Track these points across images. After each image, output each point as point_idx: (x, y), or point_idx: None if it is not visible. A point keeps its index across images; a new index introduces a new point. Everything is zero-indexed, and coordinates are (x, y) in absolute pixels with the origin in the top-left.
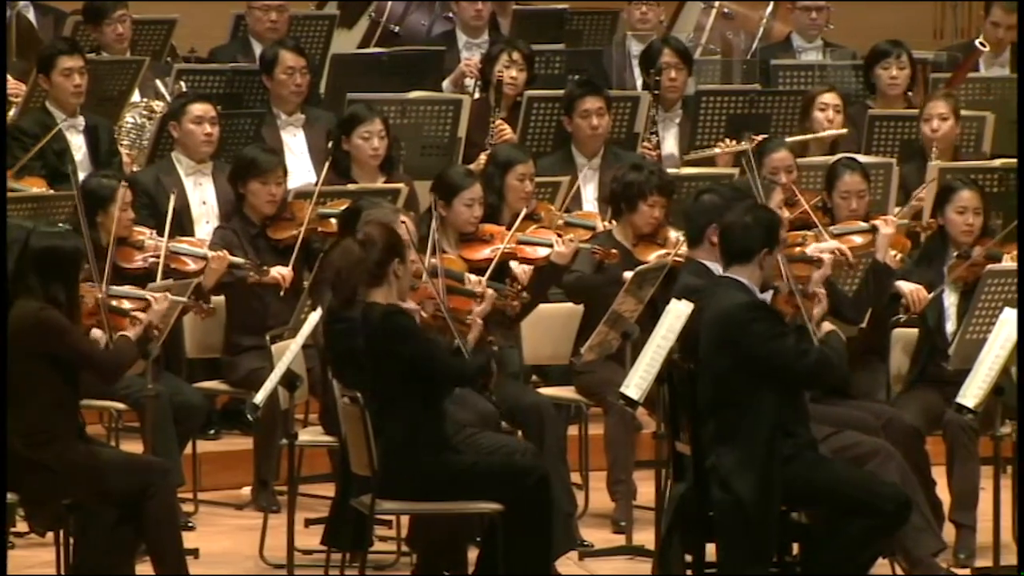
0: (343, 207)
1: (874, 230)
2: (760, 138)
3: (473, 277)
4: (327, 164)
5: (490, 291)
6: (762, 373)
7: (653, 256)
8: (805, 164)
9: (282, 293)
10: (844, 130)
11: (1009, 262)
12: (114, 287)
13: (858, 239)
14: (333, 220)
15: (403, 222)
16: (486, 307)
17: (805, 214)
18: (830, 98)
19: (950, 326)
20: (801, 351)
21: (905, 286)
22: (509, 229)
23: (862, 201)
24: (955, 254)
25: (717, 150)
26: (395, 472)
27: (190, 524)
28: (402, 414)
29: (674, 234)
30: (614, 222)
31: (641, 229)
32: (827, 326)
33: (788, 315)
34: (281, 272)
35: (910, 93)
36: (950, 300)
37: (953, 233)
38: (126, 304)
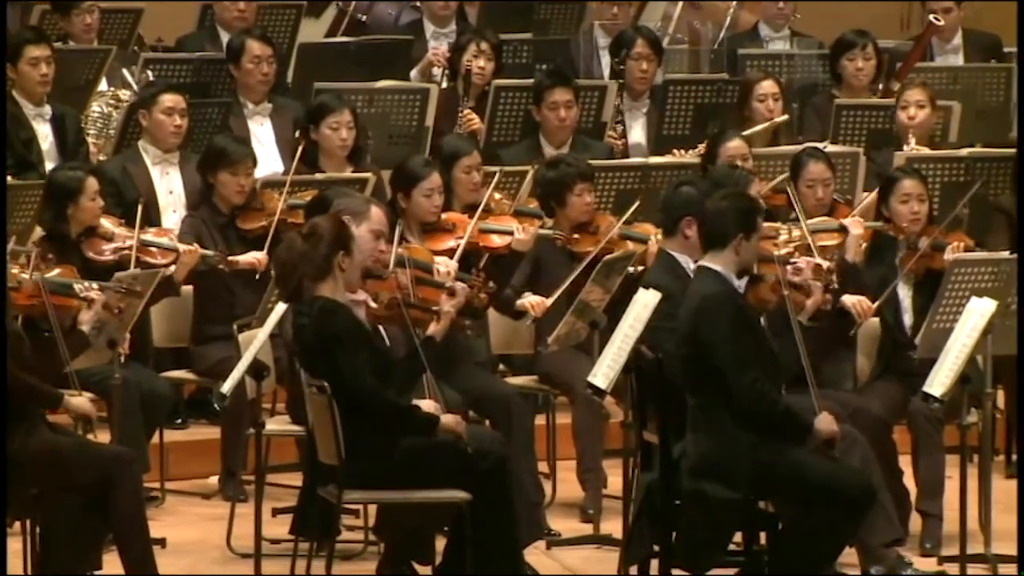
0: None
1: (844, 230)
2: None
3: (442, 269)
4: (298, 154)
5: (462, 285)
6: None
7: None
8: (769, 154)
9: (258, 277)
10: (785, 116)
11: (956, 253)
12: (52, 277)
13: (829, 240)
14: (302, 211)
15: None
16: (460, 300)
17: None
18: (768, 86)
19: (908, 319)
20: (742, 363)
21: (848, 299)
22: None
23: (827, 190)
24: (905, 246)
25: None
26: (358, 457)
27: (154, 495)
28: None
29: (610, 220)
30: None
31: (578, 219)
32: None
33: (771, 303)
34: (256, 256)
35: (880, 86)
36: (904, 293)
37: (900, 224)
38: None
